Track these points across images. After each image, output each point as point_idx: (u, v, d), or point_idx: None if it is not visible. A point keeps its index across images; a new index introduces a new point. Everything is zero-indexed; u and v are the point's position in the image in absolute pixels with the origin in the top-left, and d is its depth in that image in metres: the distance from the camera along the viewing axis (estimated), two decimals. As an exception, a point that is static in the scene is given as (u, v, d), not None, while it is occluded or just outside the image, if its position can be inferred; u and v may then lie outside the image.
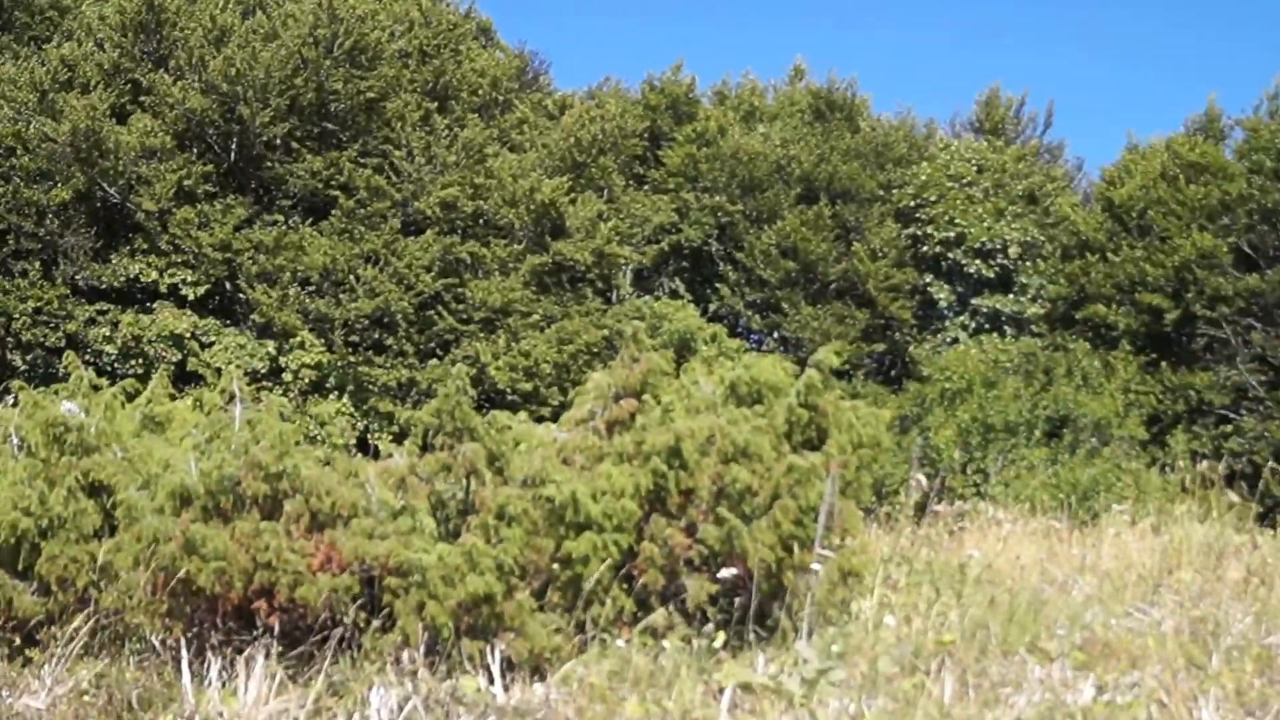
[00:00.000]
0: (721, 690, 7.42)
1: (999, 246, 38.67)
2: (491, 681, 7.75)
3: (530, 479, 8.50)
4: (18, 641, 8.17)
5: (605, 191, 34.76)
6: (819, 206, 38.40)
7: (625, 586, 8.48)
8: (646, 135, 39.85)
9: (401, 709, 7.29)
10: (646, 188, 38.53)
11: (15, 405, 10.44)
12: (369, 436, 28.70)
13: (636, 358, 9.44)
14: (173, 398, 11.76)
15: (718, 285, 38.67)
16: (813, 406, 8.95)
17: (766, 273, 37.72)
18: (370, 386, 29.16)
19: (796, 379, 9.12)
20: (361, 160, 30.94)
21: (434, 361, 29.83)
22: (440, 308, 30.31)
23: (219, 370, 27.71)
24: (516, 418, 9.82)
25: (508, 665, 7.93)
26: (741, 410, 8.99)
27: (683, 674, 7.66)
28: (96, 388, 10.38)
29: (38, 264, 29.70)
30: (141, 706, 7.49)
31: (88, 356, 27.18)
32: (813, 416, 8.98)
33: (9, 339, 29.25)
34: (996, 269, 38.83)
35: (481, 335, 30.26)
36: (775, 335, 38.49)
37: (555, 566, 8.36)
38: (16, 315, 28.87)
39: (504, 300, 30.62)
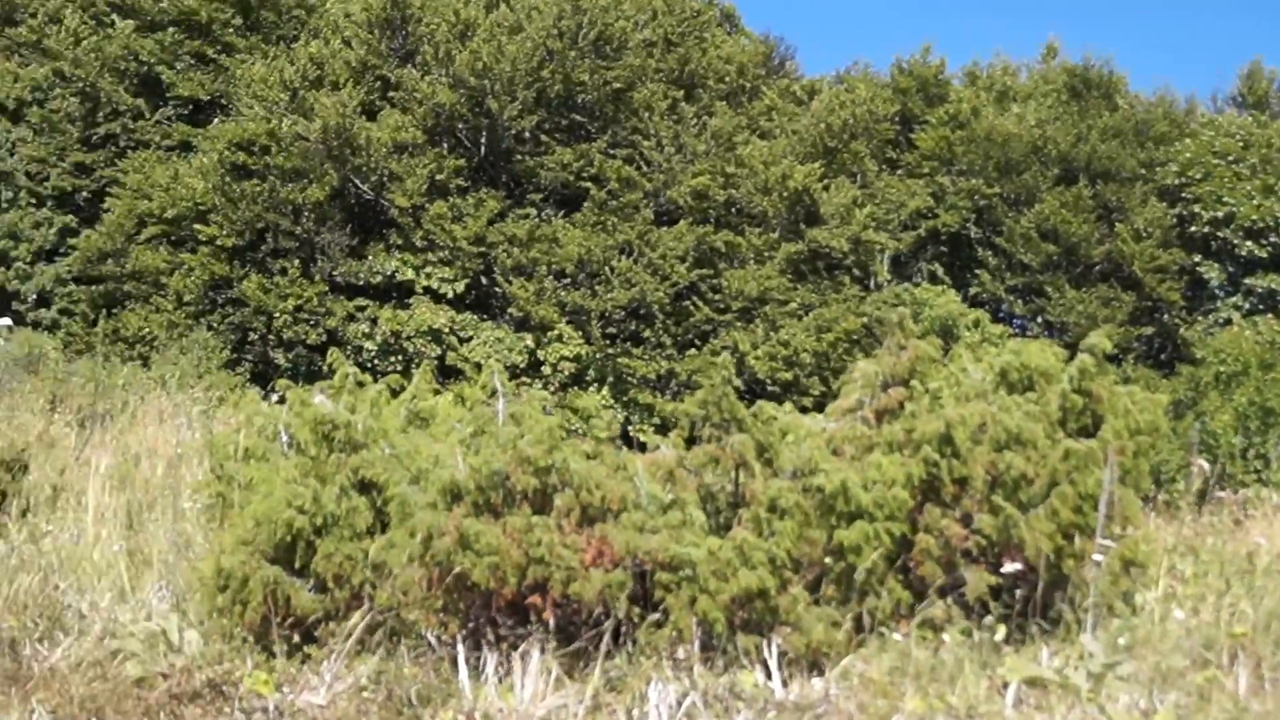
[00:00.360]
0: (1005, 685, 7.25)
1: (1270, 225, 37.24)
2: (769, 676, 7.64)
3: (799, 470, 8.36)
4: (296, 639, 8.27)
5: (858, 177, 34.43)
6: (1078, 187, 37.50)
7: (900, 578, 8.31)
8: (897, 119, 39.30)
9: (680, 705, 7.23)
10: (900, 172, 38.06)
11: (281, 403, 10.63)
12: (629, 428, 28.80)
13: (904, 345, 9.25)
14: (435, 393, 11.85)
15: (977, 270, 38.05)
16: (1086, 392, 8.68)
17: (1027, 256, 36.98)
18: (629, 378, 29.28)
19: (1067, 364, 8.86)
20: (611, 151, 31.08)
21: (692, 352, 29.85)
22: (696, 298, 30.29)
23: (478, 365, 28.12)
24: (782, 408, 9.68)
25: (784, 660, 7.81)
26: (1013, 397, 8.74)
27: (965, 668, 7.48)
28: (361, 384, 10.50)
29: (296, 262, 30.54)
30: (420, 702, 7.53)
31: (348, 353, 27.81)
32: (1087, 403, 8.71)
33: (271, 337, 30.13)
34: (1269, 248, 37.40)
35: (739, 325, 30.20)
36: (1039, 320, 37.70)
37: (828, 560, 8.22)
38: (278, 313, 29.73)
39: (760, 289, 30.50)
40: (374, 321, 29.51)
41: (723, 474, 8.67)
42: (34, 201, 35.19)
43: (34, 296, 34.09)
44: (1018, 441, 8.25)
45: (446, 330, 29.05)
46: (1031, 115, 39.52)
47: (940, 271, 38.30)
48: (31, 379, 23.51)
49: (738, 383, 9.10)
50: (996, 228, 37.81)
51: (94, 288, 33.62)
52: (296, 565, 8.41)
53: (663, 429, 26.45)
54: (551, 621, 7.92)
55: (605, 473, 8.46)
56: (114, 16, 37.36)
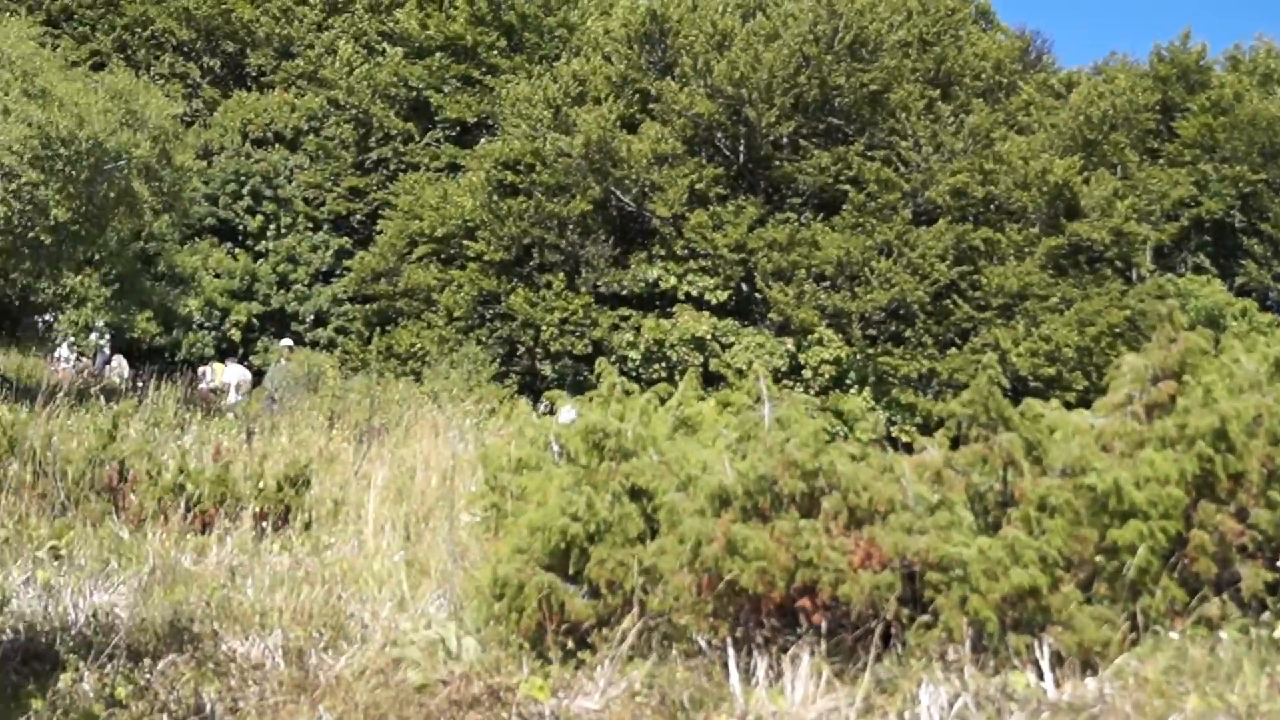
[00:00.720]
0: (1289, 684, 7.07)
1: None
2: (1040, 677, 7.57)
3: (1069, 468, 8.26)
4: (570, 644, 8.45)
5: (1119, 168, 33.67)
6: (1350, 165, 36.14)
7: (1174, 576, 8.16)
8: (1158, 107, 38.31)
9: (951, 706, 7.21)
10: (1161, 161, 37.12)
11: (550, 413, 10.87)
12: (891, 429, 28.63)
13: (1173, 337, 9.07)
14: (699, 399, 11.98)
15: (1243, 259, 36.87)
16: (1372, 378, 8.43)
17: (1296, 243, 35.76)
18: (890, 379, 29.10)
19: None
20: (869, 153, 30.97)
21: (953, 350, 29.55)
22: (956, 296, 29.98)
23: (740, 371, 28.28)
24: (1048, 405, 9.58)
25: (1056, 660, 7.73)
26: (1291, 388, 8.53)
27: (1243, 666, 7.32)
28: (628, 393, 10.67)
29: (561, 274, 31.11)
30: (693, 707, 7.63)
31: (612, 361, 28.13)
32: (1371, 388, 8.45)
33: (538, 349, 30.73)
34: None
35: (1000, 322, 29.78)
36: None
37: (1099, 558, 8.10)
38: (544, 326, 30.32)
39: (1021, 285, 30.04)
40: (637, 330, 29.86)
41: (990, 473, 8.60)
42: (311, 225, 36.55)
43: (311, 317, 35.38)
44: (1293, 434, 8.06)
45: (709, 337, 29.23)
46: (1297, 97, 38.22)
47: (1205, 261, 37.23)
48: (311, 396, 24.45)
49: (1003, 380, 9.03)
50: (1263, 214, 36.60)
51: (368, 306, 34.74)
52: (570, 572, 8.59)
53: (925, 429, 26.21)
54: (824, 625, 7.97)
55: (872, 474, 8.48)
56: (384, 45, 38.65)
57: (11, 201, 20.67)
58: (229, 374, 29.59)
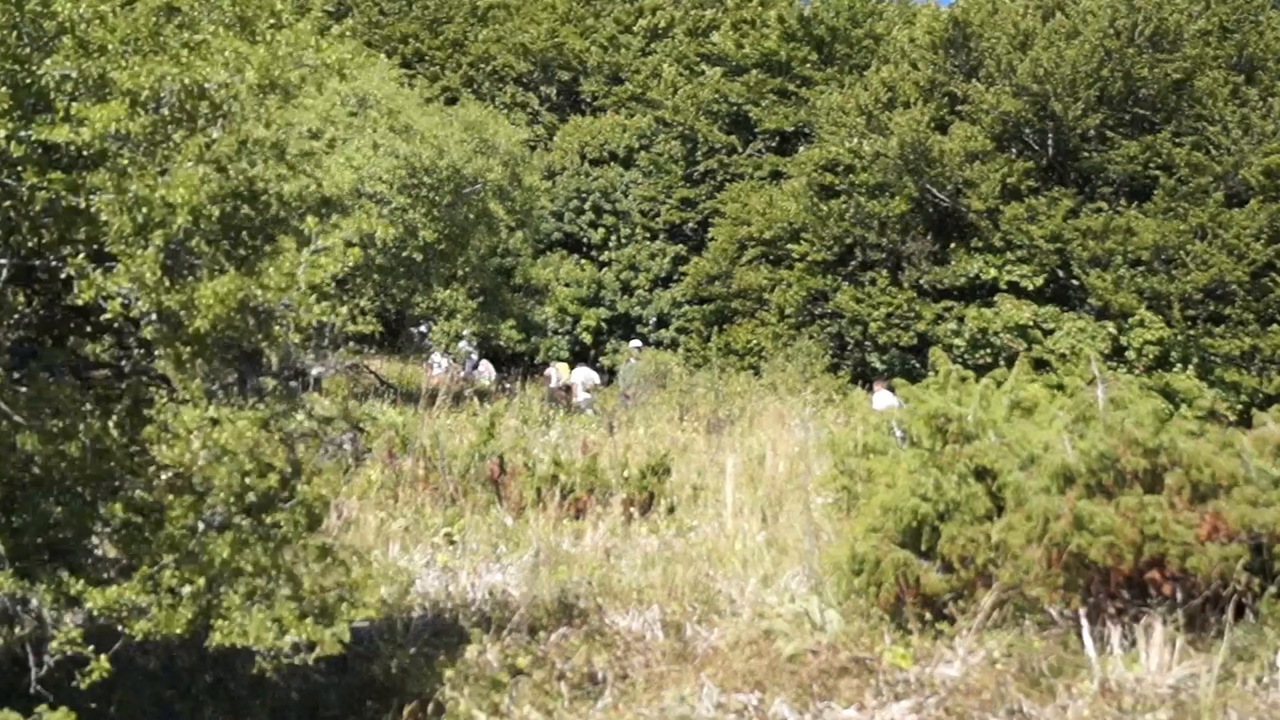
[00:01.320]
0: None
1: None
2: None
3: None
4: (928, 616, 8.40)
5: None
6: None
7: None
8: None
9: (1310, 674, 6.93)
10: None
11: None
12: (1215, 404, 27.52)
13: None
14: (1031, 383, 11.74)
15: None
16: None
17: None
18: (1213, 357, 27.99)
19: None
20: (1177, 139, 29.84)
21: (1274, 327, 28.21)
22: (1274, 274, 28.61)
23: (1062, 356, 27.63)
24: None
25: None
26: None
27: None
28: (963, 379, 10.53)
29: (884, 271, 30.88)
30: (1052, 673, 7.51)
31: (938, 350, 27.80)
32: None
33: (866, 342, 30.56)
34: None
35: (1321, 296, 28.33)
36: None
37: None
38: (871, 321, 30.14)
39: (1342, 259, 28.53)
40: (961, 320, 29.40)
41: (1331, 446, 8.26)
42: (648, 235, 37.08)
43: (654, 319, 35.90)
44: None
45: (1030, 324, 28.61)
46: None
47: None
48: (661, 392, 24.80)
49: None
50: None
51: (705, 307, 35.06)
52: (923, 548, 8.54)
53: (1250, 406, 25.08)
54: (1178, 595, 7.74)
55: (1212, 450, 8.22)
56: (704, 66, 38.94)
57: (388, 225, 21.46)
58: (576, 374, 30.26)
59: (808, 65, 37.49)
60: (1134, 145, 29.83)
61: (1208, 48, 30.97)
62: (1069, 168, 30.92)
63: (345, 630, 6.18)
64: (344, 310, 6.90)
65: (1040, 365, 26.86)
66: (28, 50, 6.71)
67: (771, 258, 33.50)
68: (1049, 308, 29.11)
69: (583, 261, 36.73)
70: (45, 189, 6.51)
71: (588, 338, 35.32)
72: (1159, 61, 30.00)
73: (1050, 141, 30.66)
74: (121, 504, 6.16)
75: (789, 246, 32.48)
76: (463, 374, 27.49)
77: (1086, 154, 30.46)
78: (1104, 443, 8.24)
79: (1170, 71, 30.02)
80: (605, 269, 36.60)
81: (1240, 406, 25.79)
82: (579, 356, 34.57)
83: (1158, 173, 29.51)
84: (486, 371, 29.23)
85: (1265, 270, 28.08)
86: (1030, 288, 29.27)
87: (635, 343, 31.66)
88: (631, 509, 12.69)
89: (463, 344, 26.74)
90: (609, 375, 31.75)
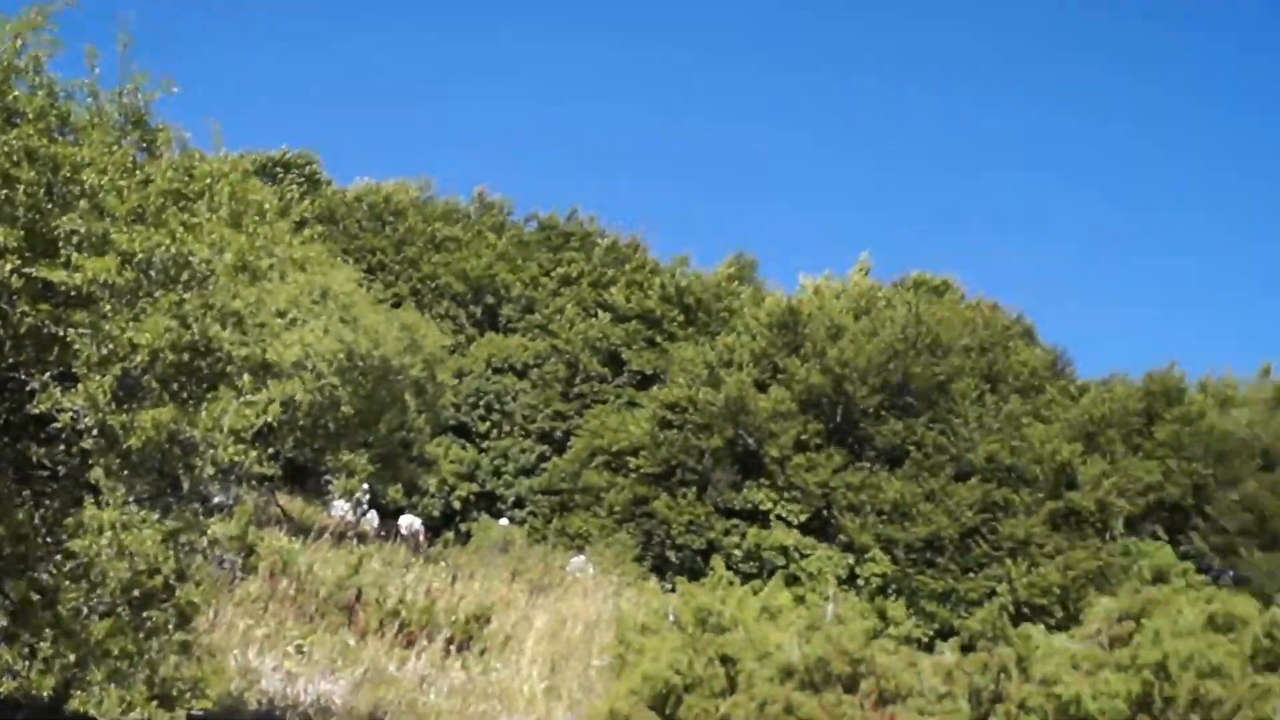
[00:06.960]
0: None
1: None
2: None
3: (1046, 679, 8.13)
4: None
5: (1109, 455, 33.15)
6: (1277, 473, 35.12)
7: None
8: (1143, 413, 37.62)
9: None
10: (1140, 454, 36.24)
11: (672, 590, 10.85)
12: (913, 630, 28.05)
13: (1138, 589, 9.00)
14: (781, 593, 11.88)
15: (1190, 532, 35.75)
16: (1274, 636, 8.29)
17: (1228, 524, 34.55)
18: (922, 593, 28.74)
19: (1261, 613, 8.55)
20: (930, 425, 30.85)
21: (971, 575, 29.11)
22: (978, 536, 29.56)
23: (811, 575, 28.08)
24: (1036, 628, 9.46)
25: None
26: (1217, 636, 8.39)
27: None
28: (731, 584, 10.67)
29: (694, 490, 31.14)
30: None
31: (721, 557, 28.03)
32: (1273, 644, 8.30)
33: (668, 541, 30.66)
34: None
35: (1008, 560, 29.32)
36: (1231, 574, 34.99)
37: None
38: (675, 525, 30.35)
39: (1026, 533, 29.65)
40: (742, 536, 29.78)
41: (988, 676, 8.46)
42: (524, 434, 37.00)
43: (513, 499, 35.67)
44: (1217, 673, 7.89)
45: (792, 547, 29.12)
46: (1244, 418, 37.32)
47: (1161, 531, 36.09)
48: (503, 557, 24.59)
49: (1010, 608, 8.95)
50: (1208, 500, 35.53)
51: (553, 497, 34.93)
52: (667, 712, 8.55)
53: (941, 634, 25.81)
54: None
55: (901, 666, 8.40)
56: (597, 310, 39.38)
57: (316, 395, 21.26)
58: (403, 520, 30.27)
59: (674, 324, 38.06)
60: (899, 424, 30.73)
61: (967, 359, 32.23)
62: (848, 434, 31.62)
63: (183, 717, 6.03)
64: (254, 454, 6.87)
65: (793, 580, 27.28)
66: (50, 205, 6.72)
67: (613, 466, 33.56)
68: (808, 538, 29.72)
69: (468, 445, 36.51)
70: (33, 317, 6.47)
71: (458, 504, 34.95)
72: (930, 365, 31.13)
73: (840, 412, 31.37)
74: (26, 583, 6.02)
75: (628, 459, 32.61)
76: (353, 519, 27.02)
77: (863, 426, 31.23)
78: (822, 648, 8.38)
79: (937, 374, 31.13)
80: (484, 454, 36.39)
81: (932, 633, 26.42)
82: (447, 519, 34.18)
83: (910, 447, 30.41)
84: (371, 519, 28.79)
85: (972, 532, 29.13)
86: (796, 521, 29.86)
87: (504, 521, 31.77)
88: (452, 646, 12.50)
89: (357, 495, 26.31)
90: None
